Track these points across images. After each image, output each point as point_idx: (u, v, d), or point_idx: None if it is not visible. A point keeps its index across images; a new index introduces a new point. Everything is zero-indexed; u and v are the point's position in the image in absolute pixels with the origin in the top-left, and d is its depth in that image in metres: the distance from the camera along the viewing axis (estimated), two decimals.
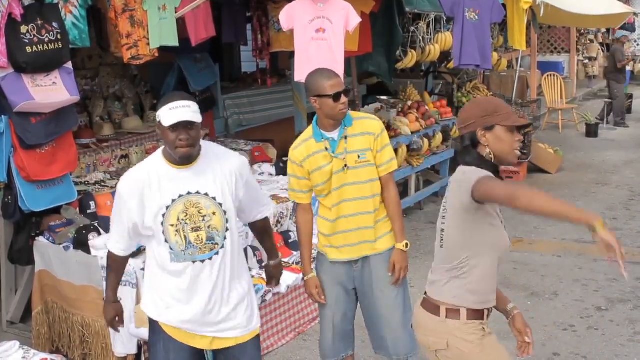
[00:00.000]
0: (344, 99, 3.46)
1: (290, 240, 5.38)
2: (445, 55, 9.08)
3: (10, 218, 4.69)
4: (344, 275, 3.69)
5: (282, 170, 6.36)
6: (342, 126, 3.55)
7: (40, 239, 4.74)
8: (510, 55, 12.94)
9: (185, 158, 2.93)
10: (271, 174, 6.40)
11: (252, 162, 6.61)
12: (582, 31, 18.60)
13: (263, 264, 4.96)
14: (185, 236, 2.94)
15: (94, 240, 4.44)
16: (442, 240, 2.79)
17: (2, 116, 4.41)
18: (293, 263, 5.11)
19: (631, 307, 5.42)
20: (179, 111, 2.84)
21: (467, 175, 2.67)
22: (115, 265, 3.25)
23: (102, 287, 4.36)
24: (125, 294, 4.24)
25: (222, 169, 3.04)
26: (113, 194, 5.24)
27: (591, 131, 12.67)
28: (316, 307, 5.17)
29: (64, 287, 4.58)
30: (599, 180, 9.48)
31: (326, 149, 3.53)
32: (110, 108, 7.04)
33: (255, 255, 4.93)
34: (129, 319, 4.19)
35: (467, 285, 2.73)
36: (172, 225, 2.94)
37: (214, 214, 2.97)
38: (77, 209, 4.94)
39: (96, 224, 4.65)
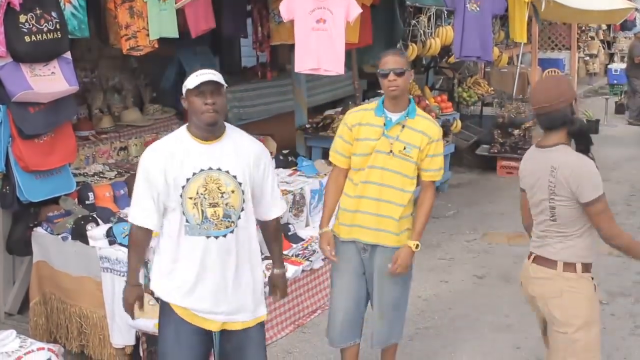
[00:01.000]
0: (392, 76, 3.52)
1: (289, 233, 5.35)
2: (446, 50, 9.05)
3: (8, 208, 4.67)
4: (354, 257, 3.71)
5: (282, 163, 6.33)
6: (405, 114, 3.60)
7: (38, 229, 4.71)
8: (511, 51, 12.89)
9: (210, 125, 2.98)
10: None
11: None
12: (583, 28, 18.52)
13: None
14: (202, 210, 2.99)
15: (92, 231, 4.42)
16: (553, 215, 3.15)
17: (1, 106, 4.39)
18: (292, 255, 5.08)
19: (632, 301, 5.40)
20: (205, 75, 2.95)
21: (582, 177, 3.02)
22: (138, 243, 3.14)
23: (99, 279, 4.34)
24: (124, 285, 4.21)
25: (246, 150, 3.09)
26: (112, 185, 5.27)
27: (591, 127, 12.62)
28: (316, 299, 5.18)
29: (62, 278, 4.56)
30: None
31: (384, 124, 3.59)
32: (109, 100, 7.03)
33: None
34: None
35: (581, 244, 3.15)
36: (191, 198, 2.98)
37: (232, 192, 3.02)
38: (76, 199, 4.92)
39: (94, 215, 4.62)
